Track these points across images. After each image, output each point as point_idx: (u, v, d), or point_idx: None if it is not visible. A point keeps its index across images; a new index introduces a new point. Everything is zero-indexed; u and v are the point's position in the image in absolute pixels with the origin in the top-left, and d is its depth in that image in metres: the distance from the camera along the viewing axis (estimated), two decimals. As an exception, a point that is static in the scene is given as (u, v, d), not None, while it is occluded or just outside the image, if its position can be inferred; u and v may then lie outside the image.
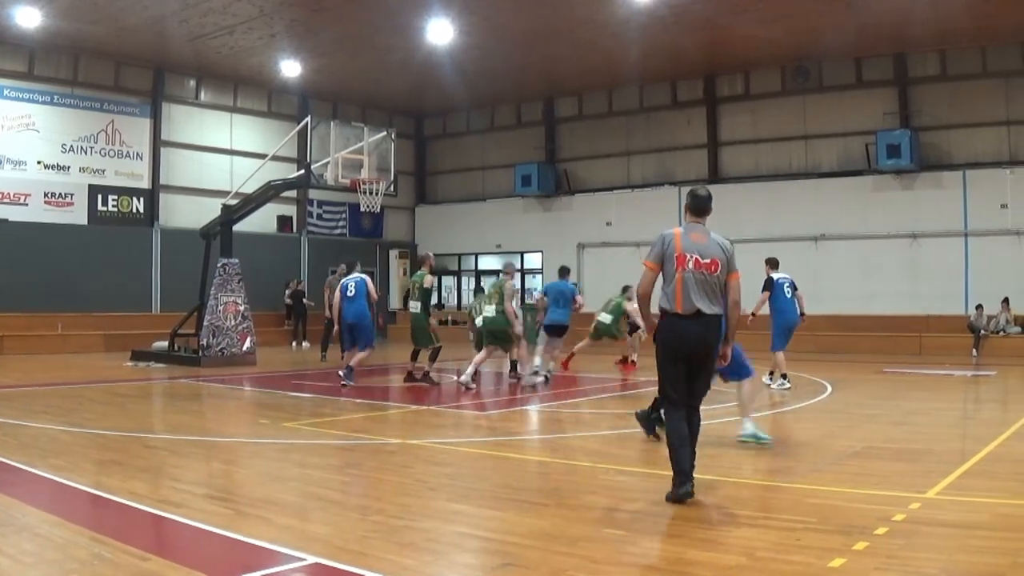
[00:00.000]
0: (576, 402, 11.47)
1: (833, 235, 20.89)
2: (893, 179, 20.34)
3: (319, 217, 25.66)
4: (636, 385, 12.90)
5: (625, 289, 14.07)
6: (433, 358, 12.87)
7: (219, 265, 16.13)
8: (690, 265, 5.46)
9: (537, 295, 15.99)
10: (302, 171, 16.79)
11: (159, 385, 13.07)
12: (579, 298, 13.80)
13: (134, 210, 21.85)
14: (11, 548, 4.35)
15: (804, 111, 21.85)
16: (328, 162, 15.28)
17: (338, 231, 26.12)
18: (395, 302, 26.30)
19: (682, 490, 5.29)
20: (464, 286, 27.29)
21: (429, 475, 6.46)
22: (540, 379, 12.65)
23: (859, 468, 6.52)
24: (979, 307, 18.74)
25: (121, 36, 19.23)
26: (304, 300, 22.61)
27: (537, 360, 13.43)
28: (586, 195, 24.91)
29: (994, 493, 5.58)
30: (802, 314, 12.12)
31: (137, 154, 21.90)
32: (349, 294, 12.47)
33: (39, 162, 20.25)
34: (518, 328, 12.55)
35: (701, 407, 5.71)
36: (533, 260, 25.92)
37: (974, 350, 18.36)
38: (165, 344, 16.48)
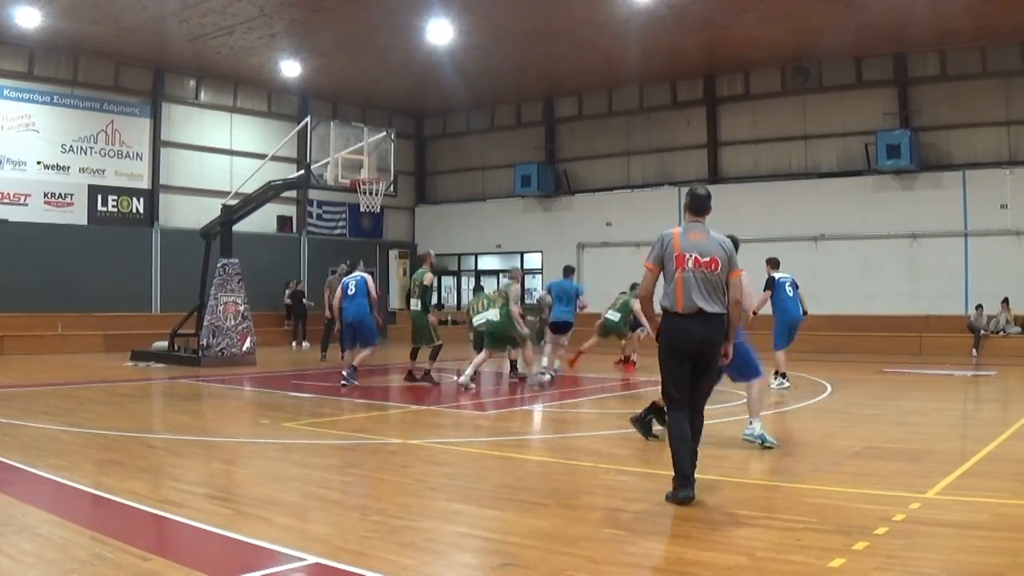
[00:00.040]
0: (576, 402, 11.47)
1: (833, 235, 20.90)
2: (893, 179, 20.34)
3: (319, 217, 25.66)
4: (636, 385, 12.90)
5: (634, 287, 14.07)
6: (434, 356, 12.87)
7: (219, 265, 16.13)
8: (690, 264, 5.46)
9: (540, 294, 16.04)
10: (302, 171, 16.80)
11: (159, 385, 13.07)
12: (583, 298, 13.81)
13: (134, 210, 21.85)
14: (11, 548, 4.35)
15: (804, 111, 21.86)
16: (328, 162, 15.28)
17: (338, 231, 26.12)
18: (395, 302, 26.31)
19: (682, 494, 5.28)
20: (464, 286, 27.29)
21: (429, 475, 6.47)
22: (547, 378, 12.65)
23: (859, 468, 6.52)
24: (979, 307, 18.75)
25: (121, 36, 19.23)
26: (304, 300, 22.61)
27: (544, 360, 13.46)
28: (586, 195, 24.92)
29: (994, 493, 5.59)
30: (805, 312, 12.14)
31: (137, 154, 21.90)
32: (350, 292, 12.47)
33: (39, 162, 20.25)
34: (524, 330, 12.59)
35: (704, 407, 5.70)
36: (533, 260, 25.92)
37: (974, 350, 18.37)
38: (165, 344, 16.48)
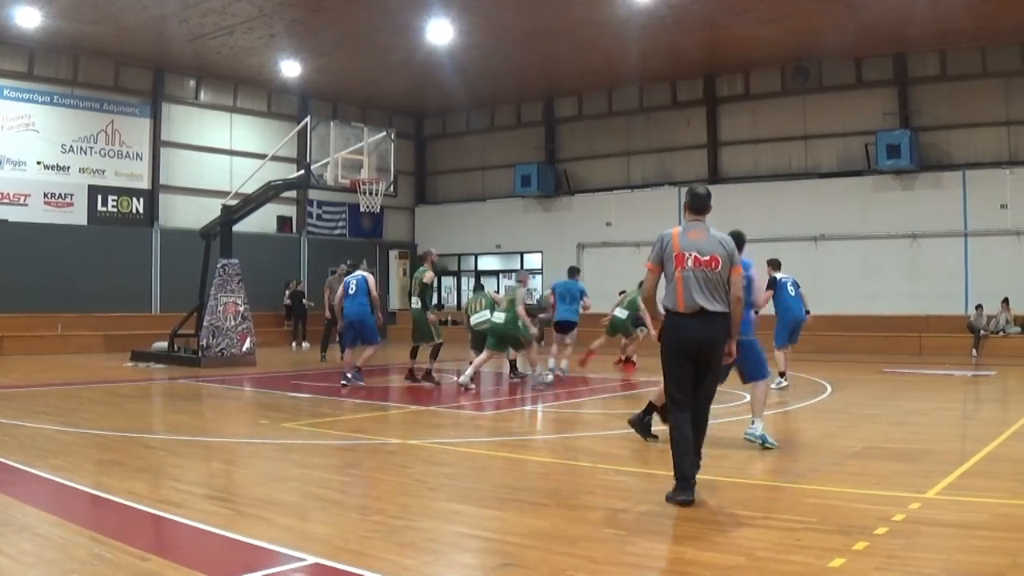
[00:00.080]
0: (576, 402, 11.46)
1: (833, 235, 20.90)
2: (893, 179, 20.34)
3: (319, 217, 25.66)
4: (636, 385, 12.91)
5: (641, 284, 14.10)
6: (434, 355, 12.88)
7: (219, 265, 16.12)
8: (689, 263, 5.45)
9: (545, 293, 16.10)
10: (302, 171, 16.80)
11: (159, 385, 13.07)
12: (587, 300, 13.83)
13: (134, 210, 21.85)
14: (11, 548, 4.35)
15: (804, 111, 21.86)
16: (328, 162, 15.28)
17: (338, 231, 26.12)
18: (395, 302, 26.32)
19: (682, 497, 5.27)
20: (464, 286, 27.28)
21: (429, 475, 6.47)
22: (549, 379, 12.65)
23: (859, 468, 6.52)
24: (979, 307, 18.75)
25: (121, 36, 19.23)
26: (304, 300, 22.62)
27: (551, 361, 13.46)
28: (586, 195, 24.92)
29: (994, 493, 5.58)
30: (807, 311, 12.15)
31: (137, 154, 21.90)
32: (351, 291, 12.48)
33: (39, 162, 20.25)
34: (533, 330, 12.65)
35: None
36: (533, 260, 25.92)
37: (974, 350, 18.37)
38: (165, 344, 16.47)
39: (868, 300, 20.17)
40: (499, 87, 24.53)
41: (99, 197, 21.20)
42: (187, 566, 4.07)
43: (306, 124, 15.74)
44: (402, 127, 25.72)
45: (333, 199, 24.74)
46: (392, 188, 16.46)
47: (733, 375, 7.22)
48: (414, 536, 4.70)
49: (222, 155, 23.49)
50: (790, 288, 11.86)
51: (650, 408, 7.53)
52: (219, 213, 16.61)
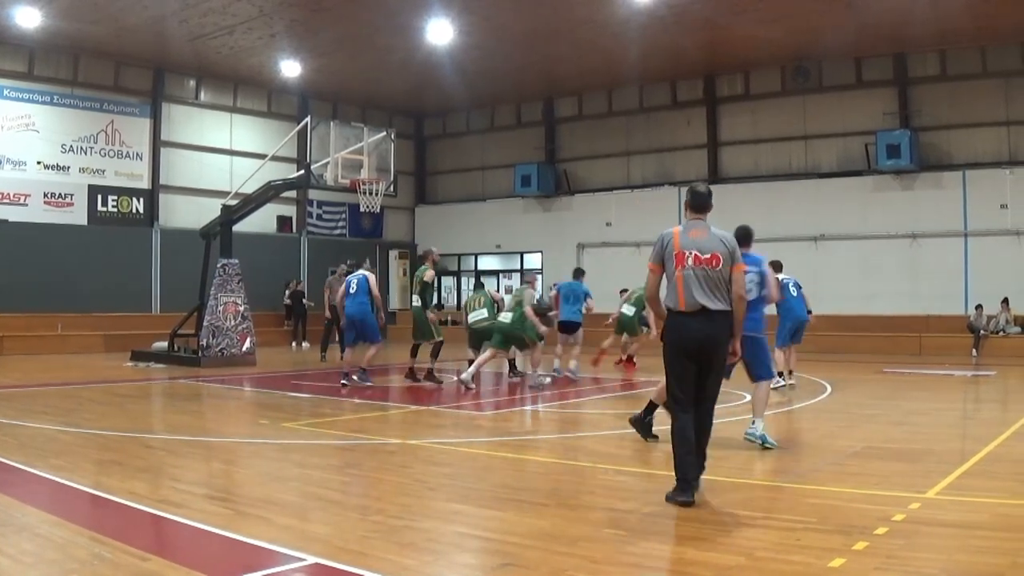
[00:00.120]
0: (576, 402, 11.46)
1: (833, 235, 20.90)
2: (893, 179, 20.34)
3: (319, 217, 25.66)
4: (637, 385, 12.91)
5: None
6: (435, 354, 12.90)
7: (219, 265, 16.12)
8: (689, 262, 5.45)
9: (552, 294, 16.15)
10: (302, 171, 16.79)
11: (159, 385, 13.07)
12: (591, 301, 13.85)
13: (134, 210, 21.85)
14: (11, 548, 4.35)
15: (804, 111, 21.86)
16: (328, 162, 15.28)
17: (338, 231, 26.12)
18: (395, 302, 26.31)
19: (682, 498, 5.25)
20: (464, 286, 27.28)
21: (429, 475, 6.47)
22: (547, 380, 12.64)
23: (859, 468, 6.52)
24: (979, 307, 18.75)
25: (121, 36, 19.23)
26: (304, 300, 22.62)
27: (555, 362, 13.44)
28: (586, 195, 24.92)
29: (994, 493, 5.58)
30: (809, 312, 12.17)
31: (137, 154, 21.90)
32: (351, 290, 12.49)
33: (39, 162, 20.25)
34: (543, 329, 12.71)
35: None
36: (533, 260, 25.92)
37: (974, 350, 18.37)
38: (165, 344, 16.47)
39: (868, 300, 20.17)
40: (499, 87, 24.52)
41: (99, 197, 21.20)
42: (187, 566, 4.07)
43: (306, 124, 15.74)
44: (402, 127, 25.72)
45: (333, 199, 24.74)
46: (392, 188, 16.46)
47: (740, 375, 7.23)
48: (414, 536, 4.70)
49: (222, 155, 23.49)
50: (792, 289, 11.88)
51: (651, 407, 7.53)
52: (219, 213, 16.61)
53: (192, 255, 17.52)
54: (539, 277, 25.24)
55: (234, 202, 16.65)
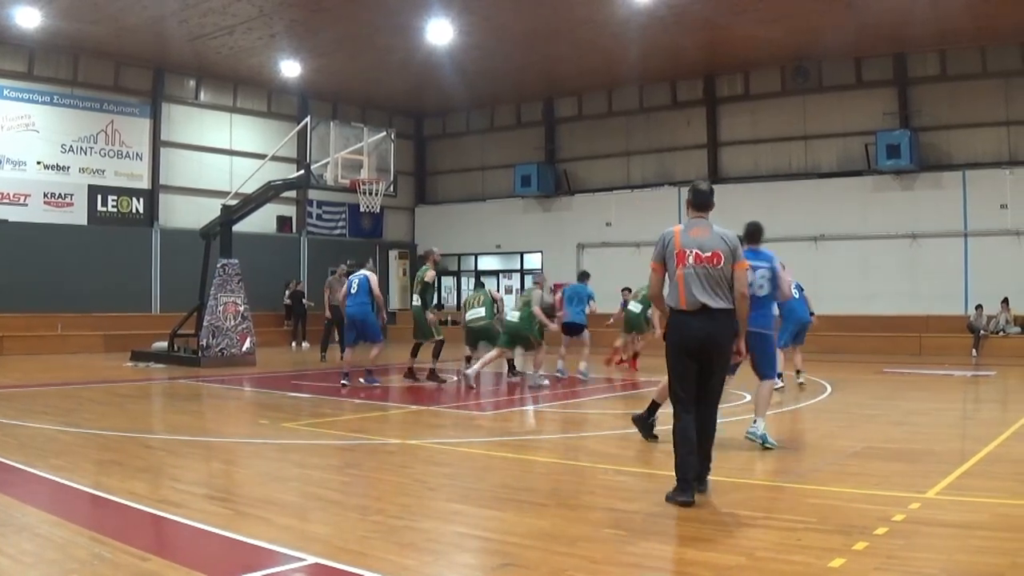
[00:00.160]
0: (576, 402, 11.46)
1: (833, 235, 20.89)
2: (893, 179, 20.34)
3: (319, 217, 25.66)
4: (637, 385, 12.92)
5: None
6: (436, 354, 12.93)
7: (219, 265, 16.12)
8: (690, 260, 5.43)
9: (556, 296, 16.19)
10: (302, 171, 16.79)
11: (159, 385, 13.07)
12: (593, 304, 13.86)
13: (134, 210, 21.85)
14: (11, 548, 4.35)
15: (804, 111, 21.85)
16: (328, 162, 15.28)
17: (338, 231, 26.12)
18: (395, 302, 26.31)
19: (682, 498, 5.24)
20: (464, 286, 27.29)
21: (429, 475, 6.47)
22: (545, 382, 12.64)
23: (859, 468, 6.52)
24: (979, 307, 18.75)
25: (121, 36, 19.23)
26: (304, 300, 22.62)
27: (559, 363, 13.45)
28: (586, 195, 24.92)
29: (994, 493, 5.58)
30: (812, 313, 12.16)
31: (137, 154, 21.90)
32: (352, 290, 12.51)
33: (39, 162, 20.25)
34: (553, 326, 12.75)
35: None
36: (533, 260, 25.92)
37: (974, 350, 18.36)
38: (165, 344, 16.47)
39: (868, 300, 20.17)
40: (499, 87, 24.52)
41: (99, 197, 21.20)
42: (187, 566, 4.07)
43: (306, 124, 15.74)
44: (402, 127, 25.72)
45: (333, 199, 24.74)
46: (392, 188, 16.47)
47: (742, 376, 7.23)
48: (414, 536, 4.70)
49: (222, 155, 23.48)
50: (794, 291, 11.87)
51: (654, 407, 7.51)
52: (219, 213, 16.61)
53: (192, 255, 17.52)
54: (546, 278, 25.33)
55: (234, 202, 16.65)
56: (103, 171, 21.26)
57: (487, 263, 27.26)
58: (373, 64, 21.66)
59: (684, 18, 17.92)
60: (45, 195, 20.32)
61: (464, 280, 27.48)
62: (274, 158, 18.67)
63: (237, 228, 16.81)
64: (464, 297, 26.33)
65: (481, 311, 13.05)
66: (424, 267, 12.99)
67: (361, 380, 12.38)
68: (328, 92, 24.77)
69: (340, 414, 10.00)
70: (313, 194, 24.30)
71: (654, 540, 4.68)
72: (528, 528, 4.86)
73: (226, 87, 23.60)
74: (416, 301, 12.91)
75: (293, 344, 22.04)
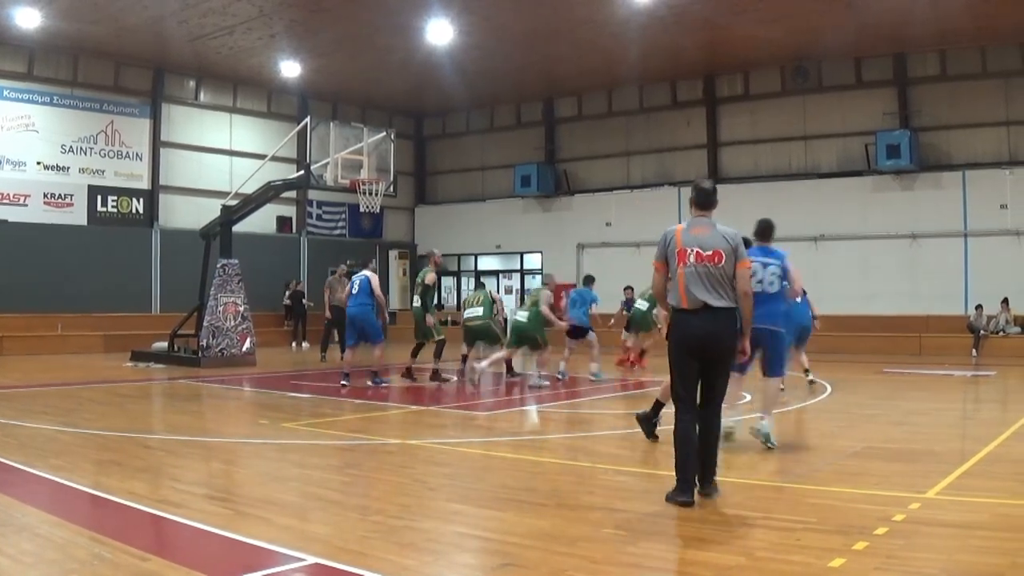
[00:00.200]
0: (576, 402, 11.46)
1: (833, 235, 20.89)
2: (893, 179, 20.34)
3: (319, 218, 25.65)
4: (637, 385, 12.91)
5: None
6: (438, 354, 12.95)
7: (219, 266, 16.12)
8: (691, 259, 5.41)
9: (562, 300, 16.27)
10: (302, 172, 16.79)
11: (159, 386, 13.07)
12: (595, 306, 13.87)
13: (134, 211, 21.84)
14: (11, 548, 4.34)
15: (804, 111, 21.85)
16: (328, 162, 15.28)
17: (338, 232, 26.11)
18: (395, 302, 26.30)
19: (682, 498, 5.24)
20: (464, 286, 27.29)
21: (428, 475, 6.46)
22: (545, 383, 12.64)
23: (859, 468, 6.51)
24: (979, 307, 18.74)
25: (121, 36, 19.23)
26: (303, 301, 22.62)
27: (562, 365, 13.50)
28: (586, 195, 24.91)
29: (994, 493, 5.58)
30: (815, 317, 12.08)
31: (137, 154, 21.90)
32: (353, 291, 12.52)
33: (39, 163, 20.24)
34: (562, 324, 12.89)
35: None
36: (533, 260, 25.93)
37: (974, 350, 18.36)
38: (165, 345, 16.47)
39: (868, 300, 20.16)
40: (499, 87, 24.52)
41: (99, 197, 21.19)
42: (187, 566, 4.07)
43: (306, 124, 15.74)
44: (402, 127, 25.72)
45: (333, 199, 24.74)
46: (392, 188, 16.47)
47: (753, 374, 7.23)
48: (414, 536, 4.70)
49: (222, 155, 23.48)
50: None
51: (658, 406, 7.48)
52: (219, 213, 16.61)
53: (192, 255, 17.51)
54: (532, 278, 25.35)
55: (234, 202, 16.65)
56: (103, 171, 21.26)
57: (487, 263, 27.25)
58: (373, 64, 21.66)
59: (684, 18, 17.92)
60: (45, 195, 20.32)
61: (464, 280, 27.47)
62: (274, 158, 18.67)
63: (237, 228, 16.81)
64: (464, 297, 26.41)
65: (479, 310, 13.06)
66: (425, 269, 13.01)
67: (369, 383, 12.37)
68: (328, 92, 24.77)
69: (340, 414, 10.00)
70: (313, 194, 24.30)
71: (654, 540, 4.68)
72: (528, 528, 4.86)
73: (226, 87, 23.60)
74: (416, 303, 12.94)
75: (293, 344, 22.04)
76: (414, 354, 13.25)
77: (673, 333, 5.50)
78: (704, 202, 5.67)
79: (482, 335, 13.54)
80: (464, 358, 13.47)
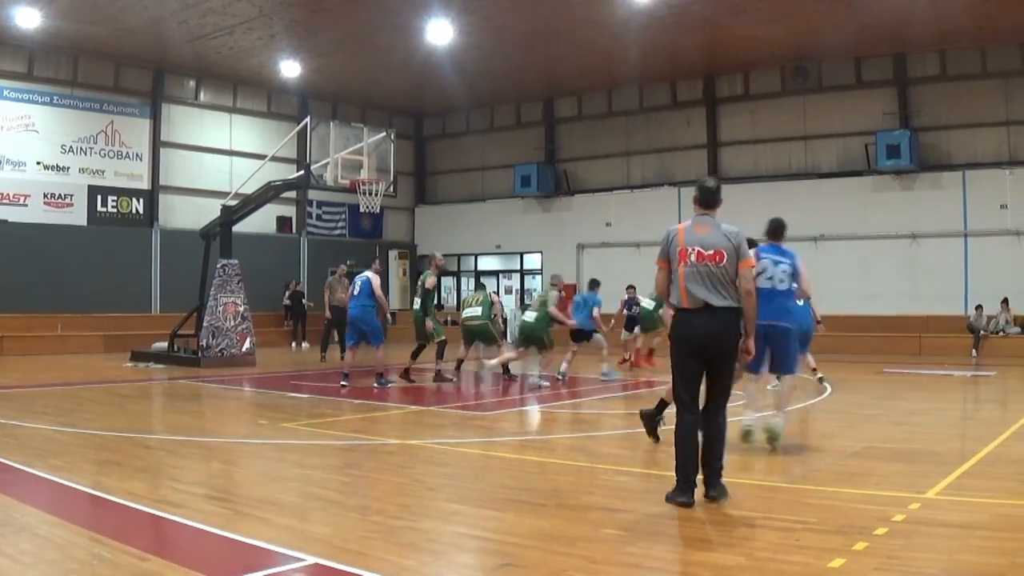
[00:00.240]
0: (576, 402, 11.46)
1: (833, 235, 20.87)
2: (893, 179, 20.33)
3: (319, 218, 25.65)
4: (638, 385, 12.92)
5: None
6: (440, 354, 12.96)
7: (219, 266, 16.12)
8: (692, 258, 5.38)
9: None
10: (302, 172, 16.79)
11: (158, 386, 13.07)
12: (596, 310, 13.85)
13: (134, 211, 21.84)
14: (11, 548, 4.34)
15: (804, 111, 21.85)
16: (328, 162, 15.28)
17: (337, 232, 26.11)
18: (395, 303, 26.29)
19: (682, 499, 5.22)
20: (464, 286, 27.29)
21: (428, 475, 6.46)
22: (545, 384, 12.64)
23: (859, 468, 6.51)
24: (979, 307, 18.74)
25: (121, 36, 19.22)
26: (303, 301, 22.62)
27: (563, 366, 13.51)
28: (586, 195, 24.90)
29: (994, 493, 5.58)
30: (818, 321, 12.04)
31: (137, 155, 21.90)
32: (355, 292, 12.52)
33: (39, 163, 20.24)
34: (571, 322, 12.93)
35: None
36: (533, 260, 25.92)
37: (974, 350, 18.35)
38: (165, 345, 16.47)
39: (868, 300, 20.16)
40: (499, 87, 24.52)
41: (99, 197, 21.19)
42: (187, 566, 4.07)
43: (306, 124, 15.74)
44: (402, 127, 25.72)
45: (333, 199, 24.73)
46: (392, 188, 16.47)
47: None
48: (414, 536, 4.70)
49: (222, 155, 23.48)
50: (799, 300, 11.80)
51: (662, 405, 7.46)
52: (219, 213, 16.61)
53: (192, 255, 17.52)
54: (533, 278, 25.34)
55: (234, 202, 16.65)
56: (103, 171, 21.25)
57: (487, 263, 27.24)
58: (373, 64, 21.66)
59: (684, 18, 17.92)
60: (45, 195, 20.32)
61: (464, 280, 27.46)
62: (274, 158, 18.67)
63: (237, 228, 16.81)
64: (463, 297, 26.42)
65: (477, 311, 13.07)
66: (426, 272, 13.02)
67: (375, 385, 12.35)
68: (328, 92, 24.77)
69: (340, 414, 10.00)
70: (313, 194, 24.29)
71: (654, 540, 4.68)
72: (528, 528, 4.86)
73: (226, 87, 23.60)
74: (417, 305, 12.95)
75: (293, 344, 22.04)
76: (414, 356, 13.24)
77: (675, 332, 5.47)
78: (708, 201, 5.62)
79: (480, 335, 13.55)
80: (460, 361, 13.49)
